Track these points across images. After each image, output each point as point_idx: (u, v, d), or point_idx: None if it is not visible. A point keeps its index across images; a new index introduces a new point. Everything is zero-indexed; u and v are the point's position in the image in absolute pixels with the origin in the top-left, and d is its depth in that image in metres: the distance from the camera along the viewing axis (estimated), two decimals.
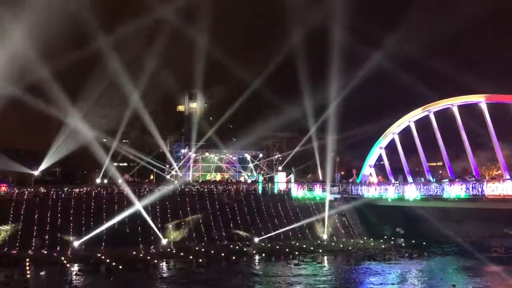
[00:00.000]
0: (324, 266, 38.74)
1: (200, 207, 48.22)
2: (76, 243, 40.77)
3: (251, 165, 71.39)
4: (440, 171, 66.72)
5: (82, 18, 54.72)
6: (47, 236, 41.08)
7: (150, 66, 59.81)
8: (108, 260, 36.73)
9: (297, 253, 42.31)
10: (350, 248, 45.34)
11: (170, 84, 73.14)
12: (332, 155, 61.71)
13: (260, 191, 53.78)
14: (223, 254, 40.75)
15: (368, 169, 57.33)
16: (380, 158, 57.41)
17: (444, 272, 36.70)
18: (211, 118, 79.14)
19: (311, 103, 61.76)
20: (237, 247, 43.50)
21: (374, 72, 61.87)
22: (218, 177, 71.49)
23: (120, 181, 50.36)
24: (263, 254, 41.92)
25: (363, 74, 59.24)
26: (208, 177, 70.56)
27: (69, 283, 31.59)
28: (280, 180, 57.46)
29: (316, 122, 62.37)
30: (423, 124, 51.16)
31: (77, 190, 47.18)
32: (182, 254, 40.38)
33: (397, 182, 50.45)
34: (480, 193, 39.67)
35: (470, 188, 40.43)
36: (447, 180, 45.89)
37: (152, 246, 42.00)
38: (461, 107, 46.49)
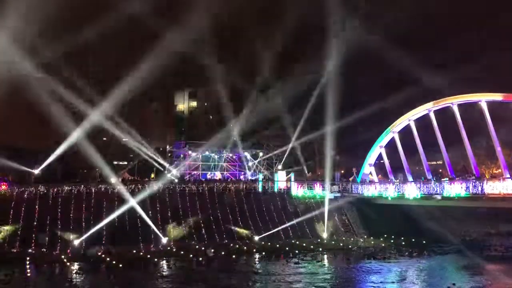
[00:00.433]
0: (324, 264, 38.77)
1: (200, 205, 48.28)
2: (76, 242, 40.82)
3: (251, 163, 71.37)
4: (440, 170, 66.72)
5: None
6: (47, 234, 41.12)
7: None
8: (108, 259, 36.77)
9: (297, 251, 42.37)
10: (350, 246, 45.38)
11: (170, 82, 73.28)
12: (332, 154, 61.73)
13: (260, 190, 53.84)
14: (223, 253, 40.82)
15: (368, 168, 57.35)
16: (380, 157, 57.43)
17: (444, 270, 36.77)
18: (211, 116, 79.16)
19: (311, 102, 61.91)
20: (237, 246, 43.55)
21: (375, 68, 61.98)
22: (218, 175, 71.47)
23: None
24: (263, 253, 41.96)
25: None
26: (208, 176, 70.55)
27: (69, 281, 31.60)
28: (280, 179, 57.50)
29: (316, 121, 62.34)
30: (423, 123, 51.16)
31: (77, 188, 47.24)
32: (182, 252, 40.45)
33: (397, 180, 50.46)
34: (480, 192, 39.66)
35: (470, 187, 40.42)
36: (447, 178, 45.90)
37: (152, 245, 42.06)
38: (461, 106, 46.47)
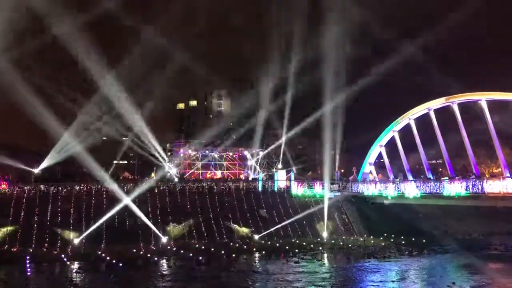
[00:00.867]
0: (324, 263, 38.73)
1: (200, 205, 48.30)
2: (76, 241, 40.87)
3: (250, 162, 71.37)
4: (440, 169, 66.72)
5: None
6: (47, 234, 41.16)
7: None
8: (108, 258, 36.78)
9: (297, 250, 42.34)
10: (350, 245, 45.35)
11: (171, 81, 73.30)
12: (332, 153, 61.75)
13: (260, 189, 53.86)
14: (223, 252, 40.84)
15: (368, 167, 57.35)
16: (380, 156, 57.41)
17: (444, 269, 36.75)
18: (211, 116, 79.21)
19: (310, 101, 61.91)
20: (237, 245, 43.56)
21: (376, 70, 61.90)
22: (218, 174, 71.52)
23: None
24: (263, 252, 41.96)
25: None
26: (208, 175, 70.61)
27: (69, 280, 31.60)
28: (280, 178, 57.49)
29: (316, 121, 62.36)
30: (423, 122, 51.13)
31: (77, 188, 47.29)
32: (182, 251, 40.45)
33: (398, 179, 50.45)
34: (480, 191, 39.64)
35: (470, 186, 40.40)
36: (447, 178, 45.88)
37: (152, 244, 42.06)
38: (461, 105, 46.42)
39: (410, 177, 50.93)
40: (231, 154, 71.86)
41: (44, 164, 55.40)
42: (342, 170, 68.65)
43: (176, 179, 58.66)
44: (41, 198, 45.26)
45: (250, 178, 63.74)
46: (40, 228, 41.60)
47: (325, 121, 55.61)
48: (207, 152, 70.68)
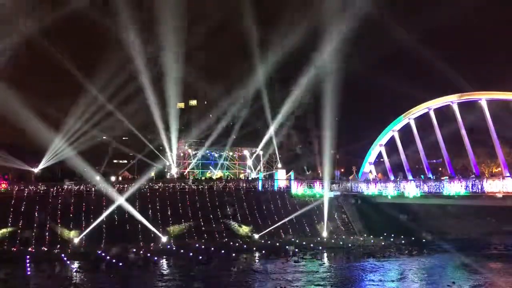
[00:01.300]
0: (324, 263, 38.77)
1: (200, 204, 48.32)
2: (76, 240, 40.89)
3: (250, 162, 71.40)
4: (440, 169, 66.76)
5: None
6: (47, 234, 41.18)
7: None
8: (108, 257, 36.79)
9: (297, 250, 42.34)
10: (349, 245, 45.37)
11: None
12: (332, 153, 61.78)
13: (260, 189, 53.85)
14: (223, 251, 40.86)
15: (368, 167, 57.37)
16: (380, 156, 57.41)
17: (444, 269, 36.79)
18: (210, 115, 79.17)
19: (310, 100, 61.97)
20: (237, 244, 43.58)
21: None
22: (218, 174, 71.53)
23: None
24: (263, 251, 41.97)
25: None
26: (208, 174, 70.64)
27: (70, 280, 31.61)
28: (280, 178, 57.47)
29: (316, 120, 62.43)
30: (423, 121, 51.15)
31: (77, 187, 47.31)
32: (182, 251, 40.47)
33: (398, 179, 50.48)
34: (480, 190, 39.67)
35: (470, 186, 40.42)
36: (447, 177, 45.90)
37: (152, 243, 42.07)
38: (461, 104, 46.43)
39: (410, 177, 50.97)
40: (231, 153, 71.86)
41: (44, 163, 55.47)
42: (342, 170, 68.64)
43: (176, 179, 58.63)
44: (41, 197, 45.27)
45: (251, 177, 63.74)
46: (40, 228, 41.61)
47: (325, 120, 55.81)
48: (207, 151, 70.69)
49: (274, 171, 63.82)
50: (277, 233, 46.74)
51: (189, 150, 69.94)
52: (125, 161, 77.77)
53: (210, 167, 72.45)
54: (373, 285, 31.32)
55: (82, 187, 47.75)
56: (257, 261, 39.37)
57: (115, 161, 73.67)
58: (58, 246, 39.92)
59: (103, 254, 37.82)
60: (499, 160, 43.21)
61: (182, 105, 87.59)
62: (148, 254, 38.87)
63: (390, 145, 55.84)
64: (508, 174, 40.01)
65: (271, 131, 66.25)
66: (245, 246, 43.33)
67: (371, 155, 56.97)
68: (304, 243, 44.70)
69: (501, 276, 33.37)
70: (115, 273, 33.36)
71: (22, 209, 43.12)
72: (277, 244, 44.05)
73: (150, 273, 34.08)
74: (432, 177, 48.31)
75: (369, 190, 50.66)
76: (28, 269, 33.77)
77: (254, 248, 42.74)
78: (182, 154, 70.51)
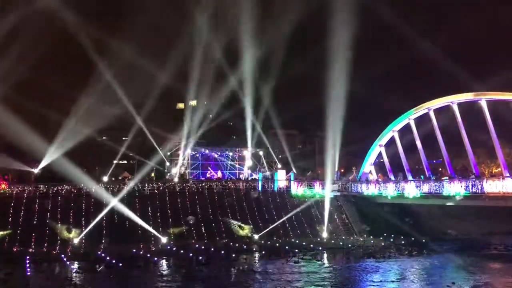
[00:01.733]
0: (324, 263, 38.74)
1: (200, 204, 48.32)
2: (76, 240, 40.89)
3: (250, 162, 71.34)
4: (440, 169, 66.71)
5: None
6: (47, 234, 41.17)
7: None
8: (108, 258, 36.78)
9: (296, 250, 42.32)
10: (349, 245, 45.35)
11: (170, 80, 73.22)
12: (332, 153, 61.68)
13: (259, 189, 53.83)
14: (223, 252, 40.84)
15: (368, 167, 57.33)
16: (380, 156, 57.38)
17: (444, 269, 36.76)
18: (211, 116, 79.11)
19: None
20: (237, 245, 43.55)
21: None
22: (218, 174, 71.50)
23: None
24: (263, 252, 41.96)
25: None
26: (208, 175, 70.57)
27: (69, 280, 31.60)
28: (280, 178, 57.45)
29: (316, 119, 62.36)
30: (423, 121, 51.13)
31: (77, 187, 47.32)
32: (182, 251, 40.46)
33: (398, 179, 50.46)
34: (480, 191, 39.64)
35: (470, 186, 40.39)
36: (447, 177, 45.87)
37: (152, 244, 42.06)
38: (461, 105, 46.42)
39: (410, 177, 50.94)
40: (231, 154, 71.83)
41: (44, 163, 55.42)
42: (342, 170, 68.59)
43: (176, 179, 58.63)
44: (41, 197, 45.27)
45: (249, 178, 63.70)
46: (40, 228, 41.61)
47: (326, 120, 55.73)
48: (206, 152, 70.64)
49: (274, 171, 63.73)
50: (277, 234, 46.72)
51: (189, 150, 69.85)
52: (125, 162, 77.71)
53: (209, 168, 72.38)
54: (373, 285, 31.29)
55: (82, 187, 47.67)
56: (257, 261, 39.36)
57: (115, 161, 73.49)
58: (58, 246, 39.94)
59: (103, 255, 37.82)
60: (499, 161, 43.18)
61: (182, 105, 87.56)
62: (148, 255, 38.88)
63: (390, 146, 55.81)
64: (508, 175, 39.99)
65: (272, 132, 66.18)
66: (245, 246, 43.32)
67: (371, 156, 56.92)
68: (304, 243, 44.69)
69: (501, 276, 33.37)
70: (115, 273, 33.34)
71: (22, 209, 43.12)
72: (277, 244, 44.04)
73: (150, 274, 34.08)
74: (432, 178, 48.27)
75: (369, 190, 50.65)
76: (28, 269, 33.76)
77: (254, 249, 42.74)
78: (182, 155, 70.41)
